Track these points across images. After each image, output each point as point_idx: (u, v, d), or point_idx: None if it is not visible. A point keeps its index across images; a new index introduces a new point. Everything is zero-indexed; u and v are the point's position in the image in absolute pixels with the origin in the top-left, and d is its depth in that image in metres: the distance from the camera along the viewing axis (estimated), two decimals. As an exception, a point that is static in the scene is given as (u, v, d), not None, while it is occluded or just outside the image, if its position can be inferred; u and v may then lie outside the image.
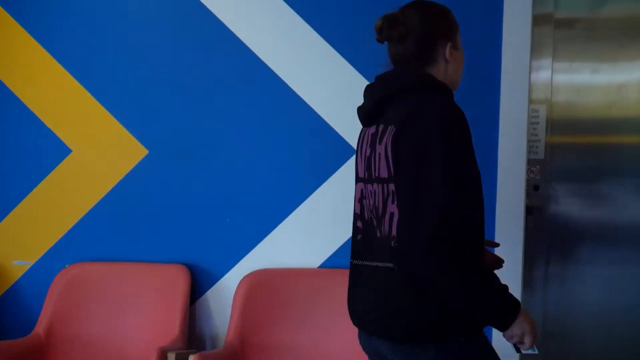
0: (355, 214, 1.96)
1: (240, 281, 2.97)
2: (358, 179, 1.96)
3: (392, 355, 1.83)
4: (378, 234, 1.82)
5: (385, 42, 1.90)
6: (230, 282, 3.02)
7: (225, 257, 3.05)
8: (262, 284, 2.96)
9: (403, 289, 1.75)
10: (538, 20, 2.92)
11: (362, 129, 1.97)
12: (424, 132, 1.67)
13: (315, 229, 3.01)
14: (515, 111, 2.83)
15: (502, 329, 1.72)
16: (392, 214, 1.76)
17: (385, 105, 1.83)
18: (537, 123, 3.05)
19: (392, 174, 1.75)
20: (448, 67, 1.87)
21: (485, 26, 2.84)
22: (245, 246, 3.04)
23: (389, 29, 1.84)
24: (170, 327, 2.89)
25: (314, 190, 2.99)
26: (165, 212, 3.05)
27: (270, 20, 2.97)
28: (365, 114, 1.92)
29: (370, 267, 1.86)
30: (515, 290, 2.83)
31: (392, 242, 1.75)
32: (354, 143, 2.91)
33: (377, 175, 1.82)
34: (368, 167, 1.87)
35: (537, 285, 3.11)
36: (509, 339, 1.76)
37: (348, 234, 2.91)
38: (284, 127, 3.00)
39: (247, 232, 3.04)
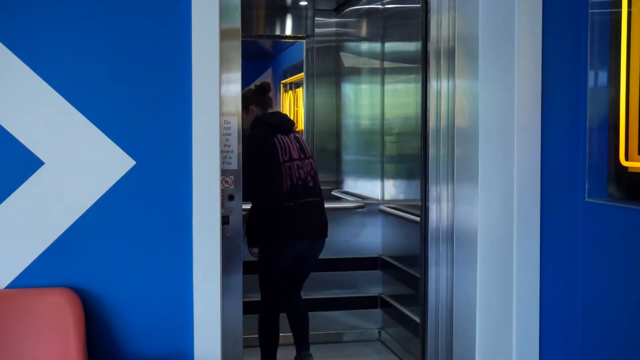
0: (289, 182, 4.02)
1: None
2: (289, 160, 4.01)
3: (318, 249, 4.25)
4: (312, 185, 4.12)
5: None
6: None
7: None
8: None
9: (324, 210, 4.24)
10: (225, 35, 3.04)
11: (274, 136, 4.02)
12: None
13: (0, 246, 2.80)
14: (208, 123, 2.90)
15: None
16: (315, 172, 4.19)
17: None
18: (229, 134, 3.17)
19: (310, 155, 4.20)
20: None
21: (174, 40, 2.87)
22: None
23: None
24: None
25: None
26: None
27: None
28: (284, 130, 4.08)
29: (313, 201, 4.13)
30: (215, 294, 2.94)
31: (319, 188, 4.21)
32: (43, 155, 2.80)
33: (307, 156, 4.13)
34: (300, 152, 4.08)
35: (235, 289, 3.21)
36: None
37: (39, 249, 2.81)
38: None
39: None
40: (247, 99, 4.08)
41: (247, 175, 3.60)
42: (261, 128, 4.04)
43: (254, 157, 3.93)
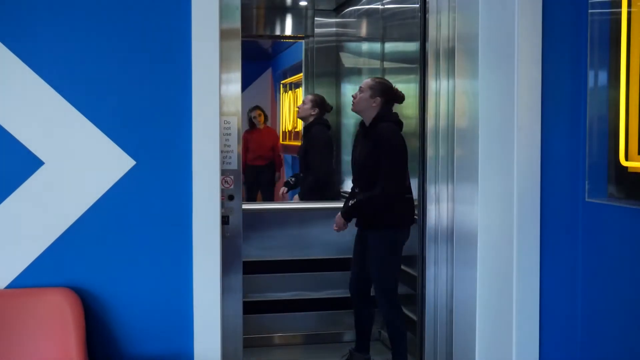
0: None
1: None
2: None
3: None
4: None
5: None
6: None
7: None
8: None
9: None
10: (225, 35, 3.03)
11: None
12: None
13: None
14: (208, 123, 2.90)
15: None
16: None
17: None
18: (229, 134, 3.16)
19: None
20: None
21: (175, 40, 2.87)
22: None
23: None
24: None
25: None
26: None
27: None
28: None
29: None
30: (215, 294, 2.95)
31: None
32: (43, 155, 2.79)
33: None
34: None
35: (235, 289, 3.20)
36: None
37: (39, 249, 2.80)
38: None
39: None
40: (386, 91, 4.16)
41: (394, 165, 3.99)
42: (398, 125, 4.19)
43: (404, 148, 4.08)
